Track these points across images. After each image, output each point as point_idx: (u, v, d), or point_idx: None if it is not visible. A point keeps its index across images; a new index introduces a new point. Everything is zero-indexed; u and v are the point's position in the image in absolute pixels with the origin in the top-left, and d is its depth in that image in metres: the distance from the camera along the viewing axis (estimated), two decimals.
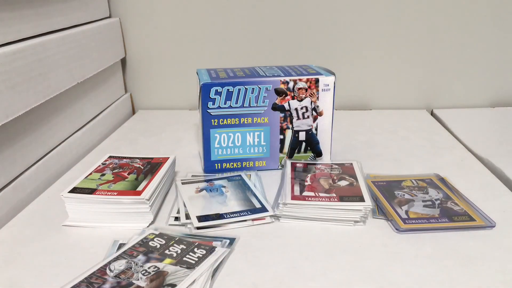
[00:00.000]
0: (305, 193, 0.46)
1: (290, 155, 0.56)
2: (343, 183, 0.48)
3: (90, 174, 0.48)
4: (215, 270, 0.36)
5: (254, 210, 0.45)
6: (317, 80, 0.53)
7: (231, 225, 0.43)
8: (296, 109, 0.54)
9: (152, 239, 0.40)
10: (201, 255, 0.37)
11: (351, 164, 0.53)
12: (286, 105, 0.53)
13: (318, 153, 0.56)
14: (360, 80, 0.81)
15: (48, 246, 0.41)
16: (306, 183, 0.48)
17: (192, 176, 0.54)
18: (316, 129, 0.55)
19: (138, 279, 0.34)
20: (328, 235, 0.42)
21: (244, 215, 0.44)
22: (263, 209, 0.45)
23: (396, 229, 0.42)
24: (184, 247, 0.38)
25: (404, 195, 0.47)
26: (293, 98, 0.53)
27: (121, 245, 0.40)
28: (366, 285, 0.35)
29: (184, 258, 0.37)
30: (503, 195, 0.49)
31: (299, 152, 0.56)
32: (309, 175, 0.50)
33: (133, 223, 0.43)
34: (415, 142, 0.65)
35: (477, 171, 0.55)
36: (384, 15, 0.77)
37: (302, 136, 0.55)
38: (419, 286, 0.34)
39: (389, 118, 0.76)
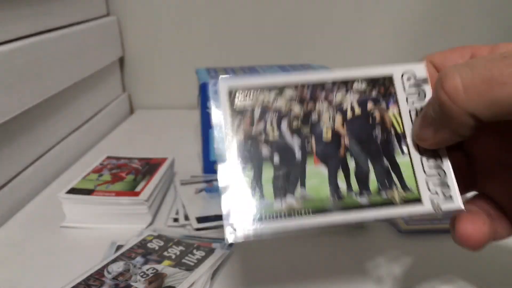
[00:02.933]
0: None
1: None
2: None
3: (88, 174, 0.47)
4: (215, 272, 0.36)
5: None
6: None
7: None
8: None
9: (151, 241, 0.39)
10: (200, 257, 0.37)
11: None
12: None
13: None
14: None
15: (45, 248, 0.40)
16: None
17: (191, 176, 0.53)
18: None
19: (136, 281, 0.34)
20: (328, 236, 0.41)
21: None
22: None
23: (398, 230, 0.41)
24: (183, 248, 0.38)
25: None
26: None
27: (119, 247, 0.39)
28: (366, 285, 0.34)
29: (183, 260, 0.36)
30: None
31: None
32: None
33: (132, 224, 0.43)
34: None
35: None
36: (385, 14, 0.76)
37: None
38: (420, 285, 0.34)
39: None
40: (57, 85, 0.56)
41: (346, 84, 0.26)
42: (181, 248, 0.38)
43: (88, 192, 0.43)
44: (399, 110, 0.26)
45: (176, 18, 0.78)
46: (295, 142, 0.25)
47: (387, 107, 0.26)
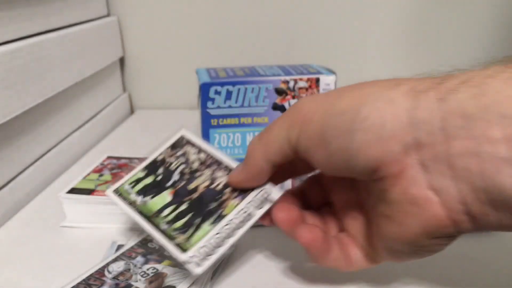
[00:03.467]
0: None
1: None
2: None
3: (88, 174, 0.47)
4: (215, 272, 0.36)
5: None
6: (317, 80, 0.53)
7: None
8: None
9: (151, 240, 0.39)
10: None
11: None
12: (286, 105, 0.53)
13: None
14: (361, 80, 0.81)
15: (45, 247, 0.40)
16: None
17: None
18: None
19: (137, 281, 0.34)
20: None
21: None
22: None
23: None
24: None
25: None
26: (293, 97, 0.53)
27: (119, 246, 0.39)
28: (367, 285, 0.34)
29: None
30: None
31: None
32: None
33: (132, 224, 0.43)
34: None
35: None
36: (385, 14, 0.76)
37: None
38: (419, 287, 0.34)
39: None
40: (58, 85, 0.57)
41: (229, 170, 0.36)
42: None
43: (89, 192, 0.43)
44: (240, 203, 0.33)
45: (176, 18, 0.78)
46: (175, 177, 0.37)
47: (237, 198, 0.34)
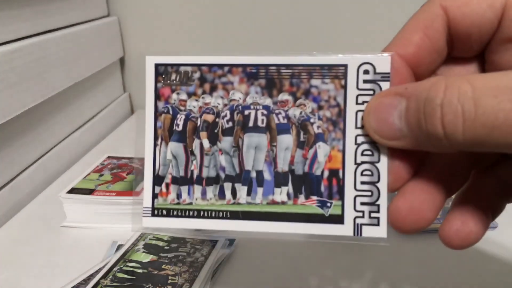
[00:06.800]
0: None
1: None
2: None
3: (89, 174, 0.48)
4: (215, 271, 0.36)
5: None
6: None
7: None
8: None
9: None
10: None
11: None
12: None
13: None
14: None
15: (46, 247, 0.40)
16: None
17: None
18: None
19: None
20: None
21: None
22: None
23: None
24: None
25: None
26: None
27: (119, 246, 0.39)
28: (366, 285, 0.34)
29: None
30: None
31: None
32: None
33: (132, 223, 0.43)
34: None
35: None
36: (384, 14, 0.76)
37: None
38: (419, 286, 0.34)
39: None
40: (58, 85, 0.57)
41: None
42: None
43: (89, 192, 0.44)
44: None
45: (176, 18, 0.78)
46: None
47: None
